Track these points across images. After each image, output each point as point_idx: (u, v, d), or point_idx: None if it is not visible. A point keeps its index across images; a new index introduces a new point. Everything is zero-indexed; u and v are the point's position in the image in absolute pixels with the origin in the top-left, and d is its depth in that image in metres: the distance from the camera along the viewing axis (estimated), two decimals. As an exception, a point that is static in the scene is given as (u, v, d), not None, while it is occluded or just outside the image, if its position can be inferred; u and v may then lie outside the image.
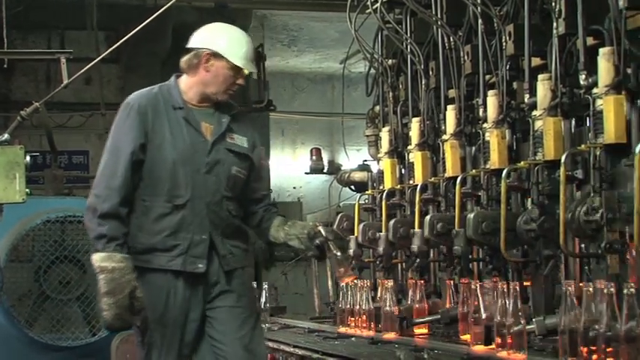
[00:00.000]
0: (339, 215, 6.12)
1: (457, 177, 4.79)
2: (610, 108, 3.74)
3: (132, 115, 3.85)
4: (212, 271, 3.87)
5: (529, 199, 4.32)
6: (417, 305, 4.81)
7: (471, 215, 4.43)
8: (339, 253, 3.97)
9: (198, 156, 3.87)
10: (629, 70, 3.77)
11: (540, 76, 4.24)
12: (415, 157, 5.37)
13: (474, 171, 4.76)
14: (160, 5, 7.91)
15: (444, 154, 5.07)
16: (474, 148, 4.93)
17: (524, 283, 4.31)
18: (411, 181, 5.42)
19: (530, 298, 4.32)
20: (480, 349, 3.92)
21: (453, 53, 5.07)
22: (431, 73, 5.38)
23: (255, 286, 4.07)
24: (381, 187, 5.82)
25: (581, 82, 3.99)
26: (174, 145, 3.85)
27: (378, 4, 5.53)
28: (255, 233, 4.12)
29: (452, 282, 4.78)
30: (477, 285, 4.03)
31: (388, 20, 5.64)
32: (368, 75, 6.37)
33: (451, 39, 5.08)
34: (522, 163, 4.34)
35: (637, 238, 3.45)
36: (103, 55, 7.60)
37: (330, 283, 6.44)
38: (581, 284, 3.44)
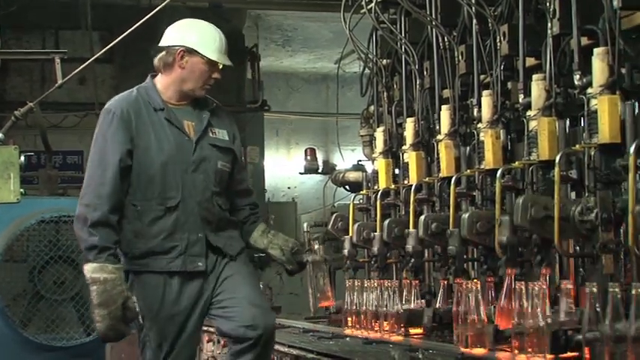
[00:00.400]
0: (334, 215, 6.12)
1: (452, 177, 4.79)
2: (604, 108, 3.74)
3: (115, 122, 3.85)
4: (209, 266, 3.90)
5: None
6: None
7: (466, 215, 4.43)
8: (321, 280, 4.06)
9: (185, 156, 3.88)
10: (623, 70, 3.77)
11: (535, 76, 4.25)
12: (410, 157, 5.37)
13: (468, 171, 4.77)
14: (154, 5, 7.91)
15: (438, 154, 5.07)
16: (468, 148, 4.93)
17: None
18: (406, 181, 5.43)
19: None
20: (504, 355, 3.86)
21: (448, 53, 5.07)
22: (425, 73, 5.39)
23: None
24: (376, 187, 5.82)
25: (576, 82, 3.99)
26: (160, 147, 3.85)
27: (373, 4, 5.53)
28: None
29: (446, 282, 4.78)
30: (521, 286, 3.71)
31: (383, 20, 5.64)
32: (362, 75, 6.37)
33: (445, 39, 5.08)
34: (517, 163, 4.34)
35: (632, 239, 3.46)
36: (97, 55, 7.61)
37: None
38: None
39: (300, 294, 11.50)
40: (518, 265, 4.19)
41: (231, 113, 4.23)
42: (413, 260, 5.06)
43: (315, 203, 13.94)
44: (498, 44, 4.54)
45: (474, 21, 4.75)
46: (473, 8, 4.74)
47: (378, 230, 5.39)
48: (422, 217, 4.83)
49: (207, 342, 6.20)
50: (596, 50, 3.84)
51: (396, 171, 5.69)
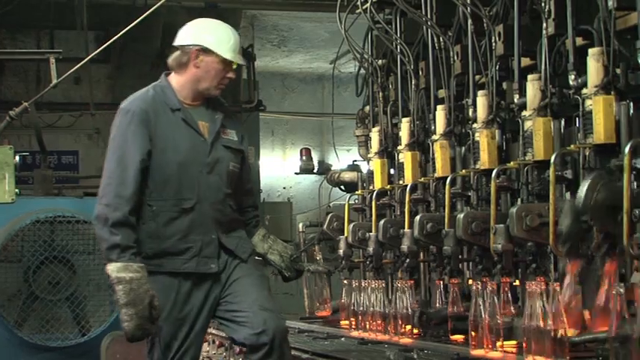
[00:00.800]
0: (329, 215, 6.12)
1: (447, 177, 4.79)
2: (599, 108, 3.75)
3: (135, 121, 3.84)
4: (220, 267, 3.92)
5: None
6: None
7: (461, 215, 4.43)
8: (324, 291, 4.08)
9: (200, 157, 3.89)
10: (618, 71, 3.78)
11: (530, 77, 4.25)
12: (405, 157, 5.37)
13: (463, 171, 4.77)
14: (149, 5, 7.90)
15: (433, 154, 5.07)
16: (463, 148, 4.94)
17: (514, 283, 4.31)
18: (401, 182, 5.43)
19: (520, 298, 4.33)
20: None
21: (443, 53, 5.07)
22: (421, 73, 5.39)
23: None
24: (371, 187, 5.82)
25: (571, 83, 4.00)
26: (177, 147, 3.85)
27: (368, 5, 5.53)
28: None
29: (441, 282, 4.78)
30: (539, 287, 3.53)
31: (378, 20, 5.64)
32: (358, 75, 6.38)
33: (441, 39, 5.08)
34: (512, 163, 4.34)
35: (626, 239, 3.46)
36: (93, 54, 7.59)
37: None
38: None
39: (295, 294, 11.50)
40: (513, 270, 4.21)
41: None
42: (408, 260, 5.05)
43: (310, 203, 13.94)
44: (494, 44, 4.55)
45: (470, 21, 4.75)
46: (468, 8, 4.74)
47: (373, 230, 5.38)
48: (417, 218, 4.83)
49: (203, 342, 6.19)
50: (591, 50, 3.85)
51: (392, 171, 5.69)
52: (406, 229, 5.01)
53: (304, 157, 14.39)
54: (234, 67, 3.97)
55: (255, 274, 4.00)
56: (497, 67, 4.59)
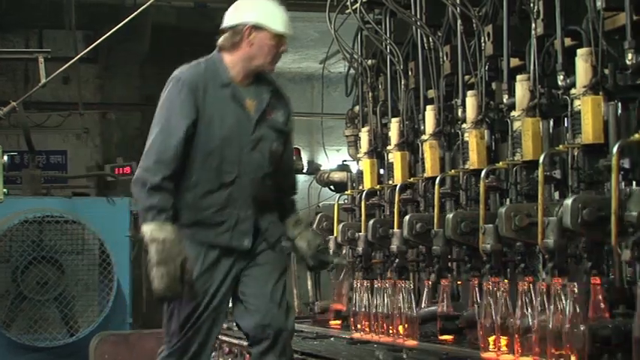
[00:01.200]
0: (319, 215, 6.12)
1: (436, 177, 4.80)
2: (588, 108, 3.76)
3: (184, 91, 3.86)
4: (252, 246, 3.91)
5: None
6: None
7: (450, 215, 4.44)
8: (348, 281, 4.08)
9: (244, 133, 3.90)
10: (606, 71, 3.79)
11: (519, 77, 4.26)
12: (394, 157, 5.38)
13: (452, 171, 4.77)
14: (138, 5, 7.89)
15: (423, 154, 5.08)
16: (453, 148, 4.94)
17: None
18: (391, 182, 5.43)
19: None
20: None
21: (433, 54, 5.08)
22: (410, 73, 5.40)
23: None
24: (361, 188, 5.82)
25: (559, 83, 4.01)
26: (223, 122, 3.87)
27: (358, 5, 5.54)
28: None
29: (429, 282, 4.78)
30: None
31: (368, 20, 5.65)
32: (347, 75, 6.38)
33: (430, 39, 5.09)
34: (501, 163, 4.35)
35: (614, 238, 3.47)
36: (81, 54, 7.58)
37: (309, 283, 6.43)
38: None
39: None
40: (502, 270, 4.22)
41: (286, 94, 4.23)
42: (397, 260, 5.06)
43: (299, 203, 13.83)
44: (483, 45, 4.55)
45: (459, 21, 4.76)
46: (457, 9, 4.75)
47: (362, 230, 5.39)
48: (406, 217, 4.84)
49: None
50: (579, 51, 3.86)
51: (381, 171, 5.70)
52: (395, 229, 5.01)
53: (294, 157, 14.38)
54: (286, 40, 4.00)
55: (278, 265, 4.00)
56: (487, 67, 4.60)
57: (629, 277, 3.60)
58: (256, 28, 3.90)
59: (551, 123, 4.24)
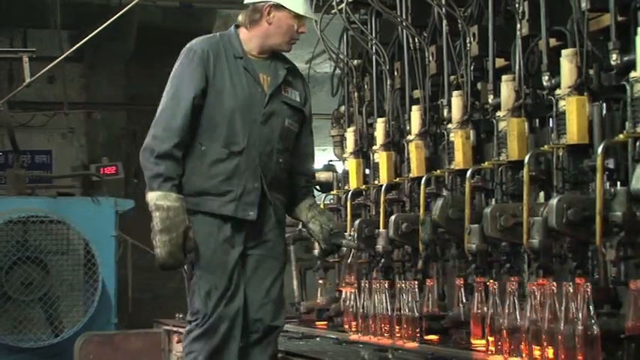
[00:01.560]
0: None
1: (422, 177, 4.80)
2: (572, 109, 3.77)
3: (195, 60, 3.89)
4: (259, 219, 3.90)
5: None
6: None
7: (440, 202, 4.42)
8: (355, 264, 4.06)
9: (256, 106, 3.92)
10: (591, 72, 3.80)
11: (504, 77, 4.27)
12: (380, 157, 5.38)
13: (438, 171, 4.78)
14: (124, 4, 7.86)
15: (408, 154, 5.08)
16: (439, 149, 4.95)
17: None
18: (376, 182, 5.44)
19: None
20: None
21: (418, 54, 5.09)
22: (396, 73, 5.40)
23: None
24: (346, 187, 5.83)
25: (544, 83, 4.02)
26: (234, 93, 3.89)
27: (344, 5, 5.54)
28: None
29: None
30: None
31: (353, 21, 5.65)
32: (333, 75, 6.38)
33: (416, 40, 5.09)
34: (486, 163, 4.36)
35: (599, 239, 3.48)
36: (67, 53, 7.55)
37: (295, 283, 6.43)
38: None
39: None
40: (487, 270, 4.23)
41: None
42: (383, 260, 5.06)
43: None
44: (468, 45, 4.56)
45: (444, 22, 4.77)
46: (443, 9, 4.76)
47: (348, 230, 5.39)
48: (392, 218, 4.85)
49: (177, 342, 6.17)
50: (564, 51, 3.87)
51: (367, 171, 5.70)
52: (381, 229, 5.02)
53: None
54: (305, 22, 4.02)
55: (279, 259, 4.01)
56: (472, 67, 4.61)
57: (614, 277, 3.62)
58: (276, 7, 3.94)
59: (537, 123, 4.25)
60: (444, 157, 4.77)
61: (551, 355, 3.33)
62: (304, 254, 6.35)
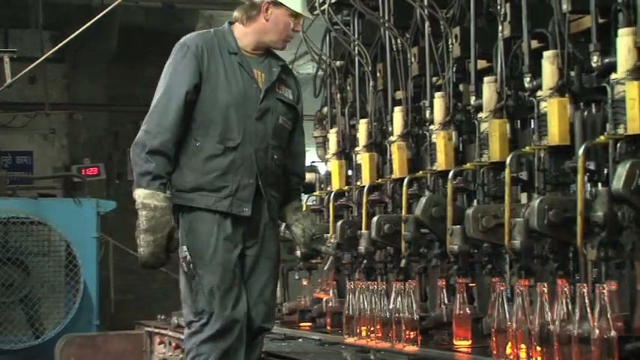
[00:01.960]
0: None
1: (404, 178, 4.81)
2: (554, 110, 3.78)
3: (188, 56, 3.87)
4: (254, 216, 3.89)
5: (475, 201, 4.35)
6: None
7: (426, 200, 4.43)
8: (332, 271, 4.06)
9: (251, 102, 3.90)
10: (572, 73, 3.82)
11: (486, 79, 4.28)
12: (362, 158, 5.39)
13: (421, 172, 4.79)
14: (106, 5, 7.84)
15: (391, 155, 5.09)
16: (421, 150, 4.96)
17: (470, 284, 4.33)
18: (359, 183, 5.44)
19: (476, 298, 4.36)
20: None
21: (401, 55, 5.10)
22: (378, 74, 5.41)
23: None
24: (329, 189, 5.83)
25: (526, 85, 4.04)
26: (229, 88, 3.88)
27: (326, 6, 5.54)
28: None
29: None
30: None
31: (336, 22, 5.65)
32: (316, 76, 6.38)
33: (398, 41, 5.10)
34: (468, 164, 4.37)
35: (580, 240, 3.50)
36: (48, 54, 7.52)
37: (277, 284, 6.42)
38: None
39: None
40: (468, 272, 4.24)
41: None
42: (365, 261, 5.07)
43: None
44: (450, 46, 4.57)
45: (427, 23, 4.78)
46: (425, 10, 4.77)
47: (330, 231, 5.39)
48: (374, 219, 4.85)
49: (159, 344, 6.16)
50: (545, 53, 3.89)
51: (349, 172, 5.70)
52: (363, 230, 5.02)
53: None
54: (301, 21, 4.03)
55: (273, 260, 4.00)
56: (454, 69, 4.62)
57: (594, 278, 3.63)
58: (275, 4, 3.94)
59: (518, 125, 4.27)
60: (427, 159, 4.78)
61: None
62: (287, 255, 6.34)
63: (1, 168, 8.15)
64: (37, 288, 7.24)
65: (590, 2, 3.73)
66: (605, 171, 3.62)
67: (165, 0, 10.86)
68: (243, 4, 4.00)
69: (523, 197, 4.17)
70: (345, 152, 5.74)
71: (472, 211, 3.98)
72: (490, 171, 4.22)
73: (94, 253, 7.70)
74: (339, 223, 5.28)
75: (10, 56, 7.38)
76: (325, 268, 4.64)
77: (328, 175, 5.91)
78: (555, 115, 3.78)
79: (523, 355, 3.44)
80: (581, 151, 3.55)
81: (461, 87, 4.68)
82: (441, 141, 4.56)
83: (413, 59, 4.97)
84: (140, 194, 3.74)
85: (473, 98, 4.43)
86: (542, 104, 3.85)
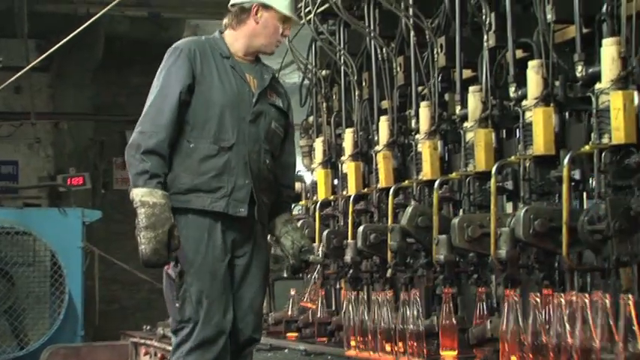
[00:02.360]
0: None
1: (390, 188, 4.81)
2: (539, 120, 3.80)
3: (181, 57, 3.87)
4: (245, 222, 3.86)
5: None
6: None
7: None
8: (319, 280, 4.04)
9: (244, 104, 3.90)
10: (557, 83, 3.83)
11: (471, 88, 4.29)
12: (348, 167, 5.39)
13: (406, 182, 4.79)
14: (91, 14, 7.81)
15: (376, 164, 5.09)
16: (407, 159, 4.96)
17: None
18: (345, 192, 5.44)
19: (460, 308, 4.35)
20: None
21: (386, 65, 5.10)
22: (364, 84, 5.41)
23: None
24: (315, 198, 5.82)
25: (511, 95, 4.05)
26: (223, 90, 3.88)
27: (312, 15, 5.54)
28: None
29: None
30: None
31: (322, 31, 5.66)
32: (302, 85, 6.38)
33: (384, 50, 5.11)
34: (454, 174, 4.38)
35: (565, 249, 3.51)
36: (33, 63, 7.50)
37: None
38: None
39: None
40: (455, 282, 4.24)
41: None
42: (351, 271, 5.06)
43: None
44: (436, 56, 4.58)
45: (412, 33, 4.79)
46: (411, 20, 4.78)
47: (317, 241, 5.38)
48: (360, 228, 4.84)
49: (144, 355, 6.13)
50: (530, 63, 3.90)
51: (335, 181, 5.70)
52: (349, 240, 5.01)
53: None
54: (291, 25, 4.04)
55: (263, 269, 3.98)
56: (440, 78, 4.63)
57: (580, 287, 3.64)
58: (264, 6, 3.94)
59: (504, 134, 4.27)
60: (412, 168, 4.78)
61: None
62: (273, 265, 6.33)
63: (-14, 178, 8.11)
64: (22, 298, 7.20)
65: (574, 12, 3.74)
66: (591, 180, 3.63)
67: (151, 9, 10.83)
68: (232, 10, 4.01)
69: (509, 207, 4.18)
70: (331, 161, 5.74)
71: (458, 221, 3.97)
72: (476, 180, 4.22)
73: (79, 263, 7.67)
74: (325, 233, 5.27)
75: (-5, 66, 7.36)
76: (313, 276, 4.62)
77: (314, 184, 5.90)
78: (540, 124, 3.79)
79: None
80: (566, 161, 3.56)
81: (446, 96, 4.69)
82: (426, 150, 4.57)
83: (398, 69, 4.98)
84: (138, 193, 3.70)
85: (458, 108, 4.44)
86: (528, 114, 3.86)
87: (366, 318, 4.39)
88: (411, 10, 4.78)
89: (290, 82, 12.19)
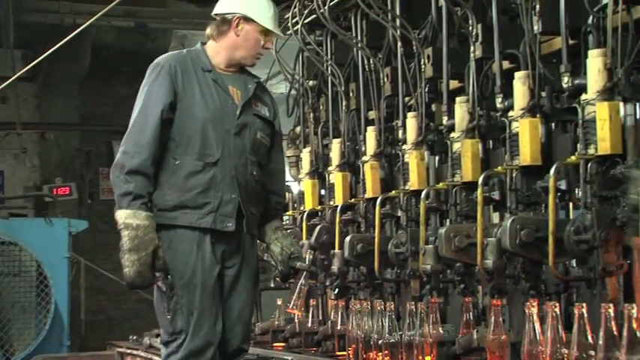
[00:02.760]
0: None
1: (377, 198, 4.82)
2: (525, 131, 3.81)
3: (162, 74, 3.87)
4: (235, 235, 3.87)
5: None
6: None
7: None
8: (305, 287, 4.05)
9: (228, 117, 3.90)
10: (543, 94, 3.85)
11: (458, 99, 4.31)
12: (335, 178, 5.39)
13: (393, 192, 4.80)
14: (78, 24, 7.81)
15: (364, 175, 5.10)
16: (394, 169, 4.97)
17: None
18: (332, 202, 5.44)
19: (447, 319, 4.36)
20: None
21: (373, 75, 5.12)
22: (351, 94, 5.42)
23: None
24: (302, 208, 5.82)
25: (498, 105, 4.07)
26: (205, 104, 3.87)
27: (299, 26, 5.56)
28: None
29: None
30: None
31: (309, 42, 5.67)
32: (289, 96, 6.39)
33: (371, 61, 5.12)
34: (441, 184, 4.39)
35: (552, 259, 3.52)
36: (19, 73, 7.48)
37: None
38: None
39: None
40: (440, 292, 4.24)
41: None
42: (338, 281, 5.06)
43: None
44: (423, 67, 4.60)
45: (399, 43, 4.80)
46: (398, 31, 4.80)
47: (304, 250, 5.37)
48: (347, 238, 4.85)
49: (131, 365, 6.11)
50: (517, 74, 3.92)
51: (322, 192, 5.71)
52: (336, 250, 5.02)
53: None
54: (272, 38, 4.05)
55: (253, 280, 3.98)
56: (427, 89, 4.64)
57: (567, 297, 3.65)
58: (245, 19, 3.95)
59: (490, 144, 4.29)
60: (399, 178, 4.79)
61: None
62: (261, 275, 6.32)
63: (-28, 188, 8.07)
64: (8, 309, 7.17)
65: (560, 24, 3.77)
66: (577, 191, 3.65)
67: (137, 20, 10.82)
68: (215, 19, 4.01)
69: (495, 217, 4.19)
70: (318, 172, 5.75)
71: (445, 231, 3.98)
72: (462, 191, 4.23)
73: (65, 273, 7.64)
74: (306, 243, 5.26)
75: (-19, 75, 7.34)
76: (300, 282, 4.61)
77: (301, 194, 5.90)
78: (527, 135, 3.81)
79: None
80: (552, 171, 3.57)
81: (433, 107, 4.70)
82: (413, 161, 4.58)
83: (385, 79, 5.00)
84: (122, 215, 3.72)
85: (445, 118, 4.45)
86: (514, 124, 3.88)
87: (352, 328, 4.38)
88: (398, 21, 4.80)
89: (277, 93, 12.21)
